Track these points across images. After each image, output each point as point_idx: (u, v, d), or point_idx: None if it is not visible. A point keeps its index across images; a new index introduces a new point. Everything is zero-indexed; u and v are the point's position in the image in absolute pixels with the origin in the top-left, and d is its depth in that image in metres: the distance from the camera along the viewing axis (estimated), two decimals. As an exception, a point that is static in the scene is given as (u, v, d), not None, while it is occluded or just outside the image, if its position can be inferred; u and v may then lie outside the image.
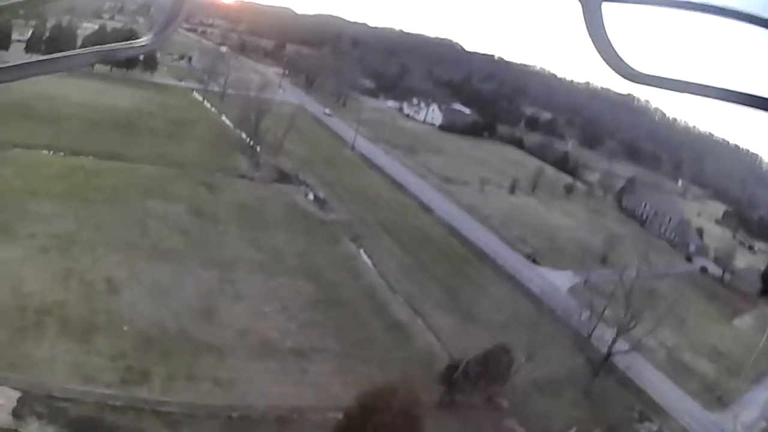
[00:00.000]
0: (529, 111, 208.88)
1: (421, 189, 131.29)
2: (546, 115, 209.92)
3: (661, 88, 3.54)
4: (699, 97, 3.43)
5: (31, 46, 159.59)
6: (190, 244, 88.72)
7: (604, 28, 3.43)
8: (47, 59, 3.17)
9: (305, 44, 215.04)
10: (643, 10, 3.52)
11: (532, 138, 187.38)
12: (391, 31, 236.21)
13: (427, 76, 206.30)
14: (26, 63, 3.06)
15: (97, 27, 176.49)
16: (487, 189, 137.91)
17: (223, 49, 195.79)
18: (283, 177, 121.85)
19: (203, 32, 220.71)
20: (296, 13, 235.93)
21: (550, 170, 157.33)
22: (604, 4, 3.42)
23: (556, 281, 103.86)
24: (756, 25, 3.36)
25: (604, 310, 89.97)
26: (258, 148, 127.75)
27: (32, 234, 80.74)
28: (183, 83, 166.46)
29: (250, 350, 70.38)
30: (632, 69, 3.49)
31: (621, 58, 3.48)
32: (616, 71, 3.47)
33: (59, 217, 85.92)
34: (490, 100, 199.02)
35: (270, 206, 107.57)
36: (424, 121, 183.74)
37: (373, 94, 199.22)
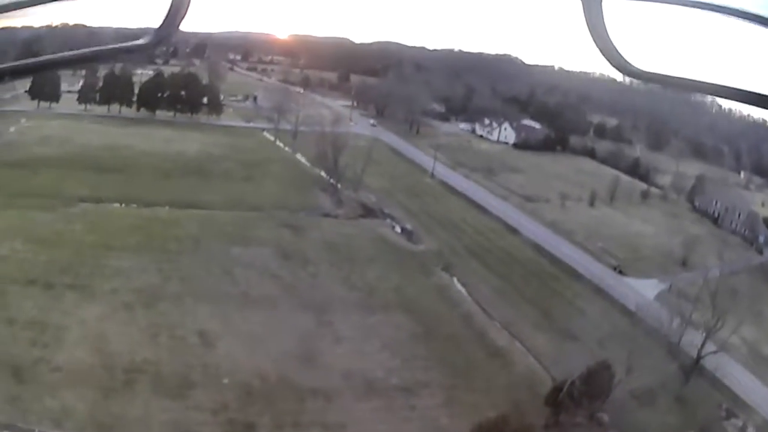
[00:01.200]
0: (595, 119, 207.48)
1: (504, 210, 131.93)
2: (612, 122, 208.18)
3: (661, 85, 4.11)
4: (699, 94, 3.70)
5: (83, 96, 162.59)
6: (281, 288, 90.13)
7: (604, 25, 3.83)
8: (47, 59, 3.82)
9: (368, 74, 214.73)
10: (642, 7, 3.99)
11: (603, 146, 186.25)
12: (450, 52, 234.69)
13: (492, 94, 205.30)
14: (26, 63, 3.72)
15: (151, 72, 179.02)
16: (568, 204, 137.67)
17: (289, 86, 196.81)
18: (368, 212, 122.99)
19: (263, 70, 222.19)
20: (354, 43, 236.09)
21: (624, 178, 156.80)
22: (605, 2, 3.82)
23: (643, 290, 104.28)
24: (754, 22, 3.85)
25: (690, 314, 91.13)
26: (338, 185, 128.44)
27: (113, 290, 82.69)
28: (251, 124, 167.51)
29: (356, 391, 71.72)
30: (633, 66, 3.90)
31: (622, 56, 3.88)
32: (616, 68, 3.87)
33: (140, 270, 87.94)
34: (557, 112, 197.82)
35: (358, 242, 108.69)
36: (497, 141, 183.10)
37: (444, 117, 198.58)
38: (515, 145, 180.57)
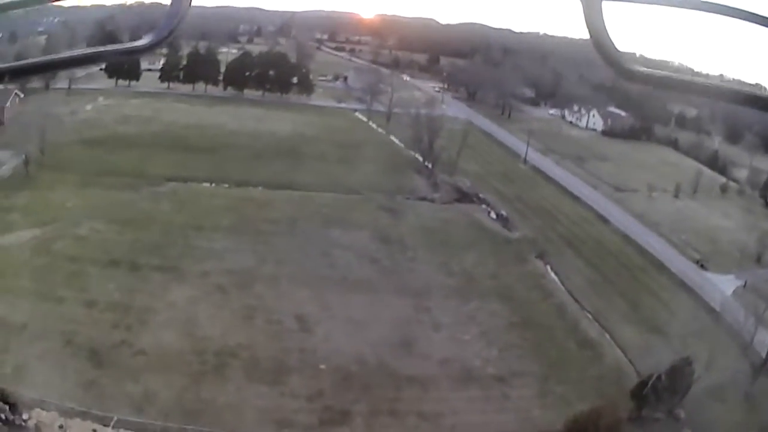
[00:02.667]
0: (676, 109, 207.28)
1: (594, 199, 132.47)
2: (691, 112, 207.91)
3: (660, 87, 3.87)
4: (699, 96, 3.92)
5: (166, 75, 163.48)
6: (380, 272, 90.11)
7: (604, 26, 3.72)
8: (47, 60, 3.64)
9: (456, 55, 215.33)
10: (643, 9, 3.87)
11: (683, 137, 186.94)
12: (536, 35, 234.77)
13: (579, 80, 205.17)
14: (26, 63, 3.54)
15: (235, 51, 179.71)
16: (654, 195, 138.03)
17: (380, 67, 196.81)
18: (463, 196, 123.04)
19: (352, 50, 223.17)
20: (440, 24, 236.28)
21: (706, 171, 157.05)
22: (605, 3, 3.71)
23: (722, 285, 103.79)
24: (756, 23, 3.67)
25: (764, 311, 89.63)
26: (434, 168, 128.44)
27: (205, 272, 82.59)
28: (343, 104, 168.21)
29: (453, 380, 71.72)
30: (632, 68, 3.74)
31: (621, 57, 3.74)
32: (615, 70, 3.73)
33: (233, 252, 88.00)
34: (640, 100, 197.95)
35: (455, 227, 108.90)
36: (586, 127, 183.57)
37: (534, 102, 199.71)
38: (603, 133, 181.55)
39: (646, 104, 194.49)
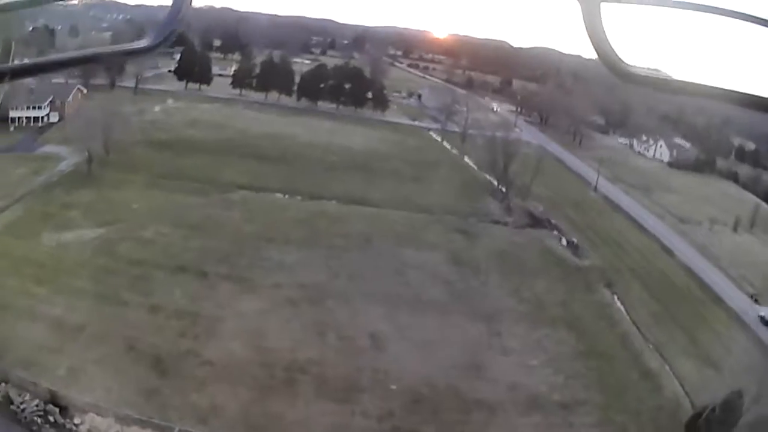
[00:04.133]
0: (736, 142, 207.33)
1: (660, 230, 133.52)
2: (750, 146, 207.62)
3: (659, 90, 4.10)
4: (698, 98, 3.96)
5: (238, 81, 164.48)
6: (452, 294, 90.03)
7: (603, 28, 3.84)
8: (47, 60, 3.70)
9: (528, 79, 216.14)
10: (641, 10, 3.97)
11: (743, 170, 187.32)
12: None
13: (647, 110, 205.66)
14: (27, 63, 3.62)
15: (308, 62, 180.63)
16: (716, 228, 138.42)
17: (453, 87, 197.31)
18: (535, 221, 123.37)
19: (425, 68, 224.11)
20: (512, 47, 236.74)
21: (762, 205, 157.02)
22: (603, 5, 3.82)
23: None
24: (754, 23, 3.78)
25: None
26: (507, 192, 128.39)
27: (276, 284, 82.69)
28: (416, 122, 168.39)
29: (519, 405, 71.76)
30: (631, 70, 3.93)
31: (620, 59, 3.91)
32: (614, 72, 3.90)
33: (305, 266, 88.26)
34: (703, 133, 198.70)
35: (526, 252, 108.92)
36: (653, 158, 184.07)
37: (603, 130, 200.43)
38: (669, 164, 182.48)
39: (710, 137, 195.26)
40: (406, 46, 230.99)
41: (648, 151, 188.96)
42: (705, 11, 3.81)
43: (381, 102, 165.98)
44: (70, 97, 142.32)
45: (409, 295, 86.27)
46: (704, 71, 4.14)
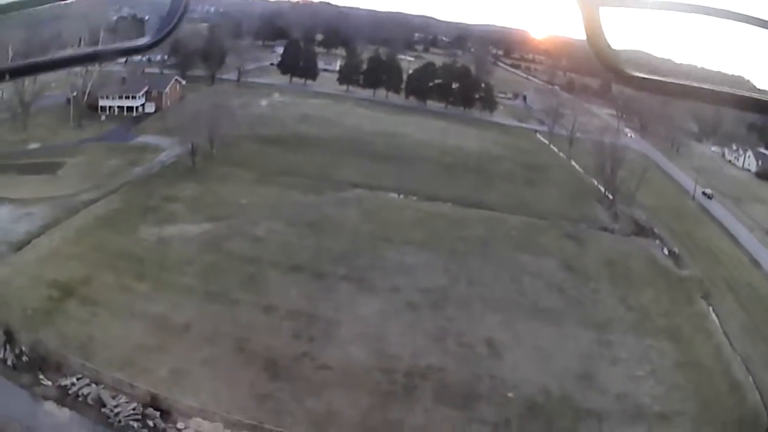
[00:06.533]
0: None
1: (749, 242, 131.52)
2: None
3: (657, 93, 4.19)
4: (698, 101, 4.07)
5: (345, 77, 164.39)
6: (566, 302, 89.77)
7: (602, 31, 3.89)
8: (47, 60, 3.73)
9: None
10: (640, 12, 4.04)
11: None
12: (693, 68, 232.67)
13: (736, 119, 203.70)
14: (27, 63, 3.67)
15: (412, 59, 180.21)
16: None
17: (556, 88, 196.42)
18: (640, 229, 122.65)
19: (527, 68, 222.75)
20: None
21: None
22: (602, 8, 3.86)
23: None
24: (753, 25, 3.80)
25: None
26: (614, 198, 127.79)
27: (395, 287, 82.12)
28: (524, 124, 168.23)
29: (625, 415, 71.80)
30: (629, 73, 3.98)
31: (619, 62, 3.96)
32: (612, 74, 3.94)
33: (425, 268, 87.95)
34: None
35: (633, 261, 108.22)
36: (742, 167, 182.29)
37: (697, 138, 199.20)
38: (757, 174, 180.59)
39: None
40: (507, 46, 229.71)
41: (737, 160, 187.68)
42: (705, 12, 3.80)
43: (489, 103, 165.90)
44: (167, 89, 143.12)
45: (525, 302, 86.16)
46: (704, 71, 4.07)
